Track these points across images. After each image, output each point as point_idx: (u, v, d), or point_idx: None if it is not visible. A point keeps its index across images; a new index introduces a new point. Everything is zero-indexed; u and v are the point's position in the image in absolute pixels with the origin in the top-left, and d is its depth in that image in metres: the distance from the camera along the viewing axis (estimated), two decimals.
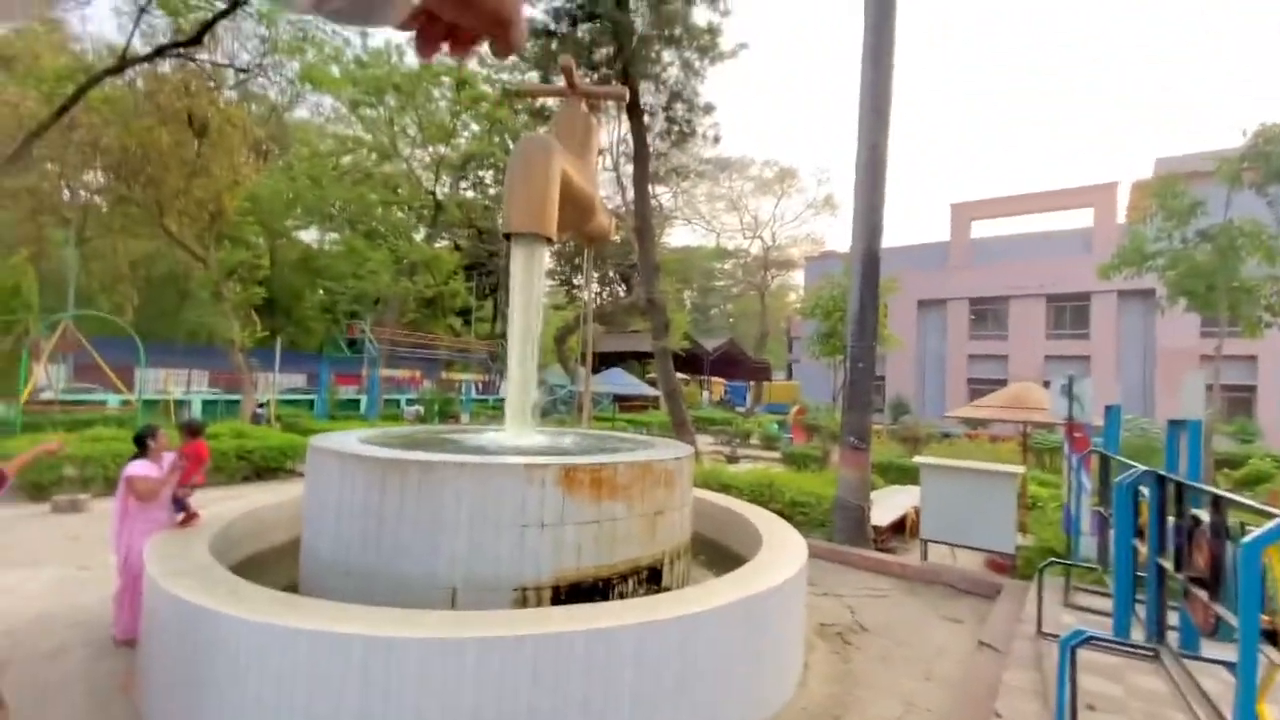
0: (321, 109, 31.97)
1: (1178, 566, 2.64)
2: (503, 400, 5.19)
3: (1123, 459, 3.56)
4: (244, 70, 15.82)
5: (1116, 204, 27.90)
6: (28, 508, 7.69)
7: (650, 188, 14.79)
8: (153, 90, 14.02)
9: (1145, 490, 2.94)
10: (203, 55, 13.94)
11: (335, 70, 22.60)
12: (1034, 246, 30.07)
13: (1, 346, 12.98)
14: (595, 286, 39.95)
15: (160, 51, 12.72)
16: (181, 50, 12.86)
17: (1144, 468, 3.01)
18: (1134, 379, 26.24)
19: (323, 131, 31.07)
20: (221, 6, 12.58)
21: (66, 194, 21.13)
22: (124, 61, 12.22)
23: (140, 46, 13.45)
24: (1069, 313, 28.41)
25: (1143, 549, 3.03)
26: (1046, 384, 8.65)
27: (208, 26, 12.54)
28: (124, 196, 15.98)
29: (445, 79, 26.95)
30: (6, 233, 18.81)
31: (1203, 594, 2.40)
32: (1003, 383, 25.48)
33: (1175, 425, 3.01)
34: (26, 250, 15.83)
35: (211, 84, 15.13)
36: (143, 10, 12.66)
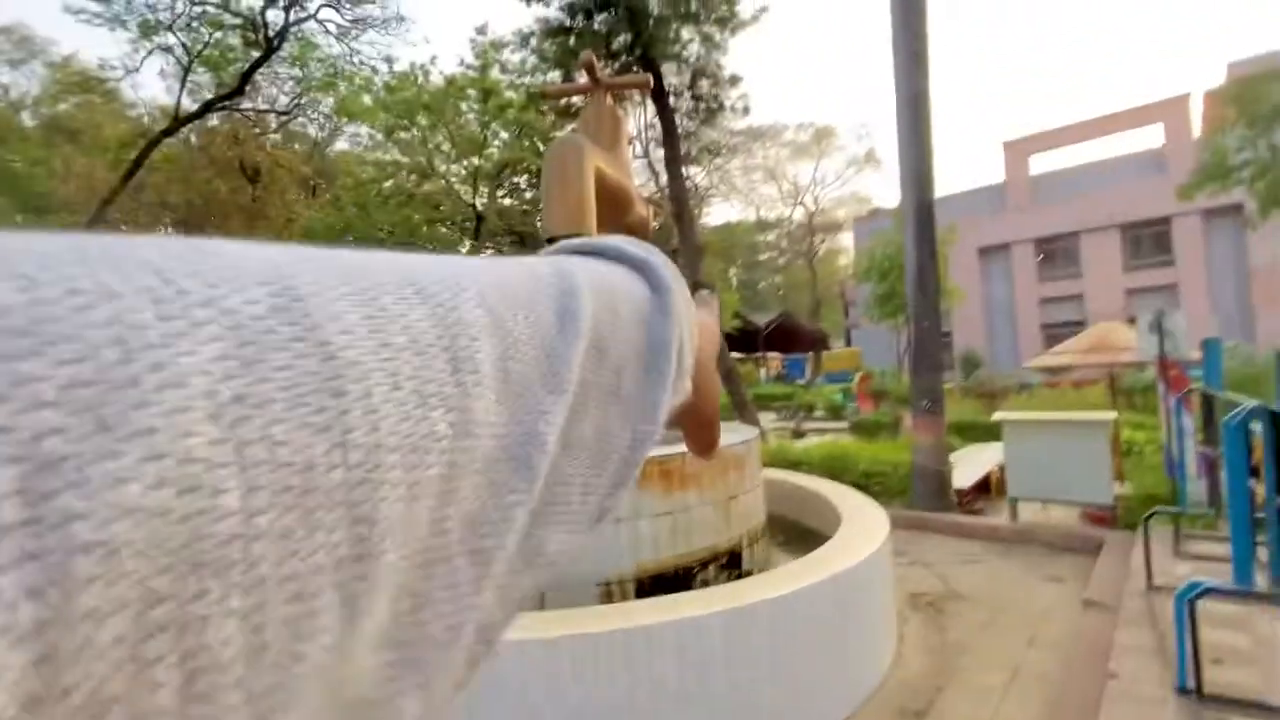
0: (359, 138, 33.09)
1: None
2: None
3: (1227, 395, 3.31)
4: (284, 113, 16.57)
5: (1190, 118, 25.74)
6: None
7: (683, 169, 14.64)
8: (206, 144, 14.90)
9: (1257, 427, 2.72)
10: (246, 104, 14.68)
11: (367, 99, 23.34)
12: (1101, 175, 28.16)
13: None
14: None
15: (209, 106, 13.47)
16: (226, 103, 13.57)
17: (1253, 403, 2.79)
18: (1229, 303, 24.31)
19: (362, 160, 32.21)
20: (256, 55, 13.18)
21: None
22: (176, 120, 13.00)
23: (189, 104, 14.27)
24: (1147, 241, 26.51)
25: (1259, 489, 2.81)
26: (1131, 320, 8.12)
27: (247, 76, 13.19)
28: None
29: (470, 92, 27.42)
30: None
31: None
32: (1080, 325, 24.11)
33: None
34: None
35: (257, 130, 15.94)
36: (187, 70, 13.40)
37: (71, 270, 0.11)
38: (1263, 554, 2.79)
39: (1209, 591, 2.67)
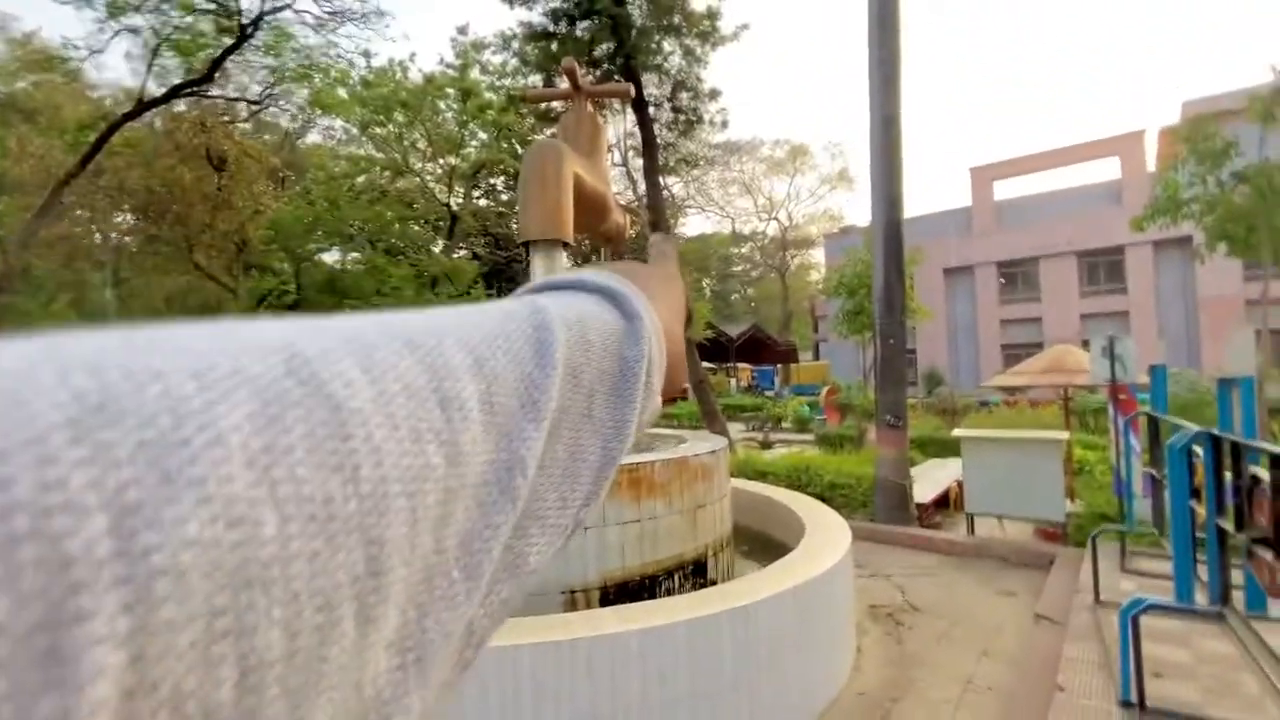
0: (333, 132, 32.51)
1: (1239, 527, 2.56)
2: None
3: (1172, 419, 3.46)
4: (255, 102, 16.16)
5: (1145, 152, 26.91)
6: None
7: (661, 179, 14.74)
8: (171, 130, 14.45)
9: (1199, 450, 2.85)
10: (215, 91, 14.29)
11: (343, 93, 22.93)
12: (1061, 203, 29.23)
13: None
14: None
15: (175, 92, 13.07)
16: (195, 89, 13.19)
17: (1196, 428, 2.92)
18: (1177, 330, 25.40)
19: (335, 154, 31.59)
20: (229, 42, 12.85)
21: (99, 238, 21.90)
22: (141, 105, 12.59)
23: (155, 88, 13.84)
24: (1103, 268, 27.58)
25: (1200, 510, 2.94)
26: (1085, 344, 8.42)
27: (218, 63, 12.84)
28: (153, 235, 16.55)
29: (449, 91, 27.17)
30: (47, 281, 19.61)
31: (1268, 554, 2.32)
32: (1038, 346, 24.88)
33: (1226, 383, 2.91)
34: (66, 296, 16.46)
35: (226, 118, 15.51)
36: (155, 53, 13.00)
37: (125, 358, 0.14)
38: (1203, 572, 2.92)
39: (1152, 607, 2.78)
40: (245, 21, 12.79)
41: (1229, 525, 2.65)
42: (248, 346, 0.16)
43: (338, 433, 0.16)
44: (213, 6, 12.83)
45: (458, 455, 0.20)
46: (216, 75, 13.22)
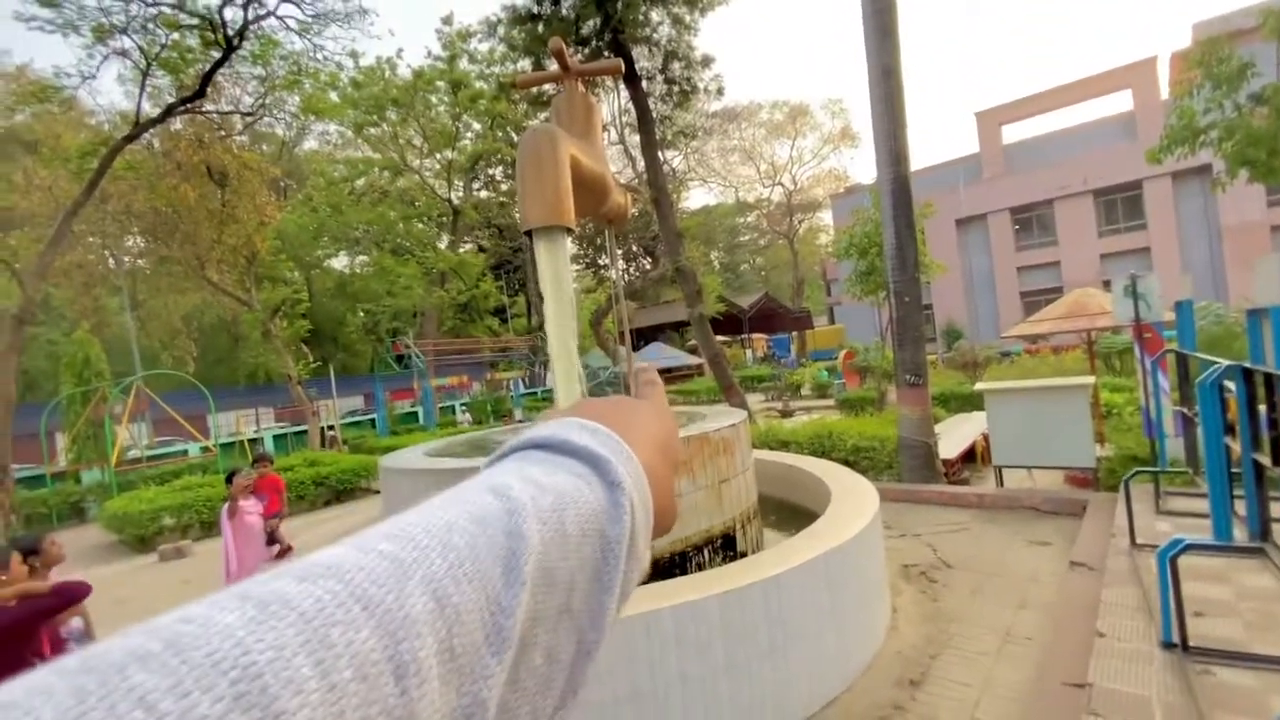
0: (328, 137, 32.57)
1: (1276, 460, 2.50)
2: (551, 392, 5.25)
3: (1201, 355, 3.37)
4: (249, 113, 16.14)
5: (1158, 81, 25.95)
6: (135, 560, 8.27)
7: (660, 154, 14.52)
8: (170, 149, 14.50)
9: (1231, 385, 2.78)
10: (209, 106, 14.29)
11: (334, 96, 22.87)
12: (1073, 142, 28.38)
13: (84, 414, 13.89)
14: (621, 264, 39.77)
15: (169, 110, 13.09)
16: (188, 105, 13.20)
17: (1227, 362, 2.85)
18: (1201, 263, 24.72)
19: (333, 158, 31.63)
20: (216, 56, 12.83)
21: (112, 263, 22.20)
22: (137, 126, 12.64)
23: (150, 109, 13.87)
24: (1120, 205, 26.82)
25: (1235, 446, 2.88)
26: (1106, 285, 8.23)
27: (208, 77, 12.83)
28: (165, 256, 16.75)
29: (439, 84, 26.96)
30: (67, 309, 19.97)
31: None
32: (1058, 291, 24.39)
33: (1255, 314, 2.82)
34: (87, 323, 16.79)
35: (222, 132, 15.54)
36: (146, 74, 13.02)
37: None
38: (1240, 508, 2.86)
39: (1190, 547, 2.74)
40: (230, 33, 12.73)
41: (1265, 459, 2.59)
42: (199, 668, 0.16)
43: None
44: (196, 21, 12.78)
45: None
46: (208, 90, 13.20)
